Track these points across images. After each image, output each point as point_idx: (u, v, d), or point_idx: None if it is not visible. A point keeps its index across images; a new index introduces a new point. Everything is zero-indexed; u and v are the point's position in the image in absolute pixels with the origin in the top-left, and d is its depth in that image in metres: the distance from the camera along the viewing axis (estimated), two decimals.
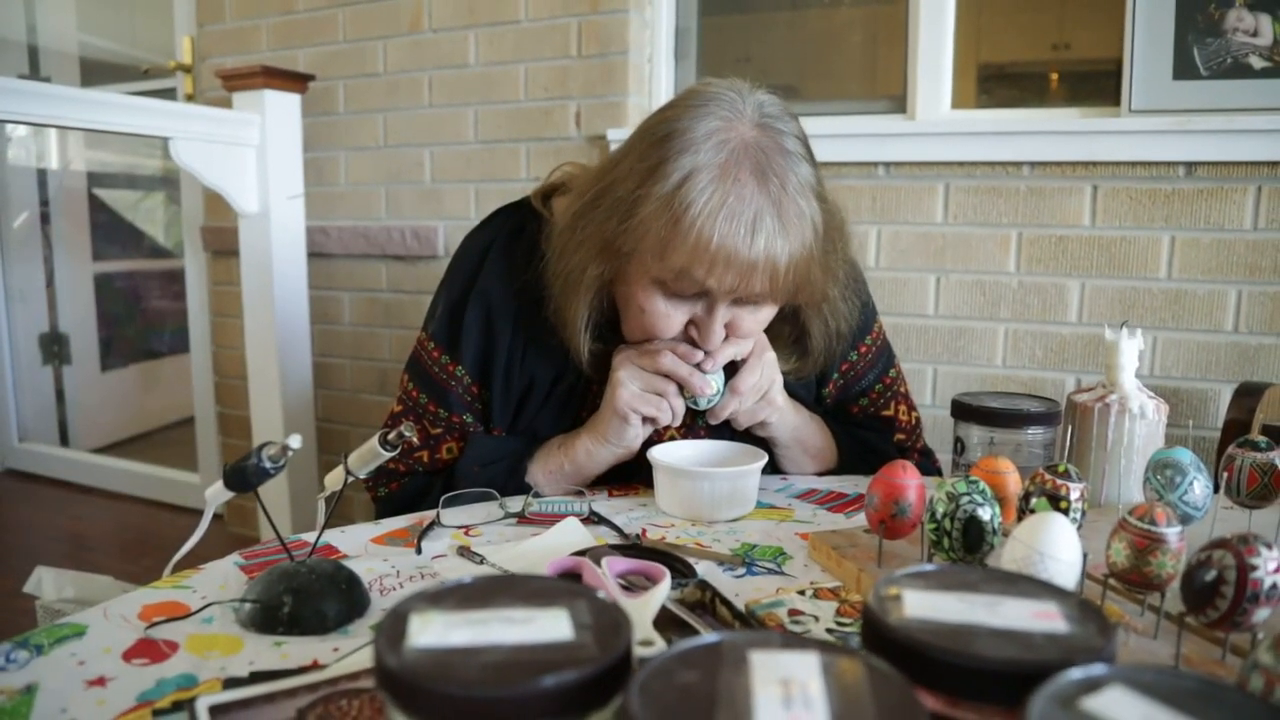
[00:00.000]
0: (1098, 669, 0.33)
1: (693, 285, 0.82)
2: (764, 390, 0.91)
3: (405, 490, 0.97)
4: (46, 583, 1.18)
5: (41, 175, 3.15)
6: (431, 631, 0.36)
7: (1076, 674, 0.33)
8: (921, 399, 1.74)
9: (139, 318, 3.60)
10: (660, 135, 0.80)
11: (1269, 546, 0.51)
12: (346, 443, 2.27)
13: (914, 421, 1.09)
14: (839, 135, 1.72)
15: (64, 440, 3.17)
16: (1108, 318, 1.60)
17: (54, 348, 3.16)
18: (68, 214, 3.17)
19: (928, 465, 1.09)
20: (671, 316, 0.85)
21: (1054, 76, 1.80)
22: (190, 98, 2.43)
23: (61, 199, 3.16)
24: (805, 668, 0.33)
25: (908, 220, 1.71)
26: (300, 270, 2.16)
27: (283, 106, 2.06)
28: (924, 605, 0.39)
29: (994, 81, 1.87)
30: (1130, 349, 0.87)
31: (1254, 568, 0.50)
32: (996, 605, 0.39)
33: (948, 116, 1.73)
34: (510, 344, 0.95)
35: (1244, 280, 1.51)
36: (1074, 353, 1.63)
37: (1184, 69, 1.50)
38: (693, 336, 0.88)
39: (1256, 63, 1.47)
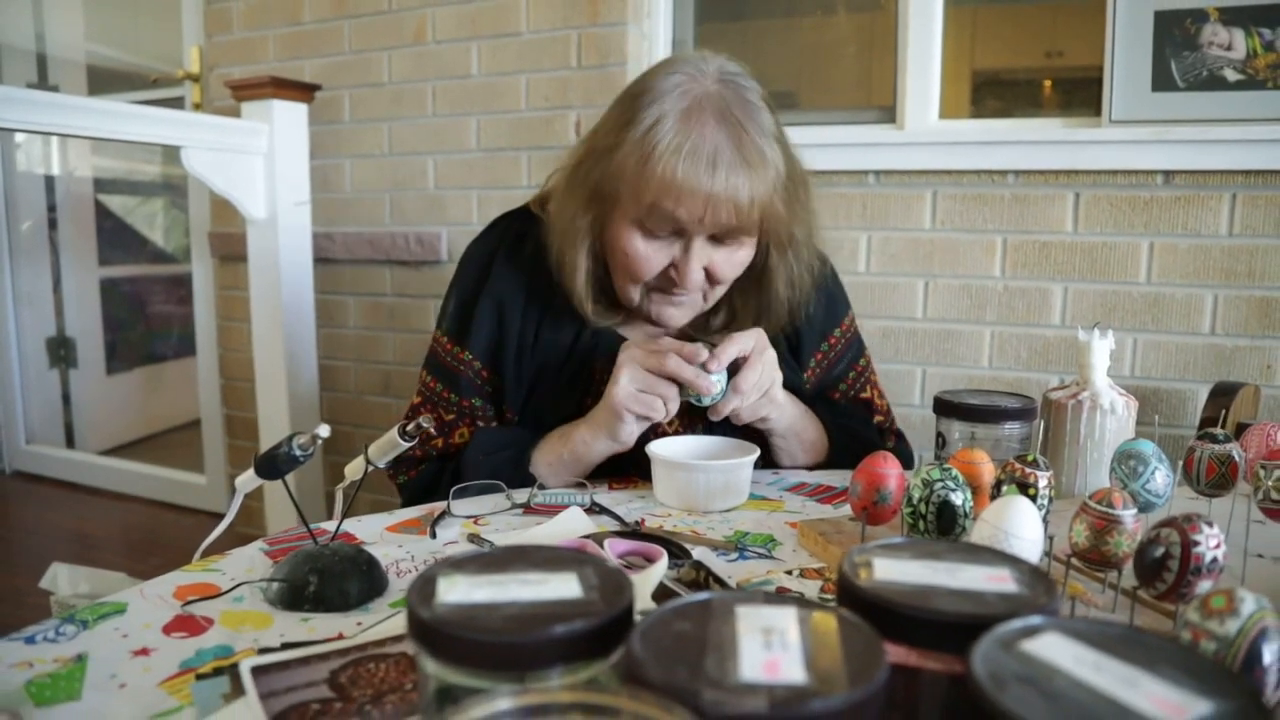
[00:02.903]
0: (1036, 619, 0.38)
1: (666, 221, 0.91)
2: (765, 388, 0.95)
3: (423, 476, 1.02)
4: (62, 578, 1.22)
5: (49, 181, 3.20)
6: (457, 590, 0.41)
7: (1018, 623, 0.38)
8: (910, 399, 1.79)
9: (143, 322, 3.65)
10: (633, 93, 0.93)
11: (1210, 525, 0.56)
12: (351, 444, 2.31)
13: (887, 405, 1.16)
14: (831, 144, 1.78)
15: (70, 442, 3.21)
16: (1090, 320, 1.65)
17: (60, 351, 3.20)
18: (74, 219, 3.21)
19: (904, 447, 1.16)
20: (651, 259, 0.94)
21: (1047, 83, 1.86)
22: (198, 106, 2.48)
23: (68, 204, 3.21)
24: (785, 619, 0.38)
25: (897, 226, 1.77)
26: (306, 275, 2.21)
27: (290, 115, 2.11)
28: (892, 570, 0.44)
29: (988, 88, 1.92)
30: (1102, 349, 0.91)
31: (1196, 543, 0.55)
32: (956, 571, 0.44)
33: (935, 126, 1.78)
34: (520, 333, 1.01)
35: (1220, 284, 1.56)
36: (1057, 354, 1.68)
37: (1162, 81, 1.56)
38: (672, 277, 0.95)
39: (1231, 75, 1.52)
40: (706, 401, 0.93)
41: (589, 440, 0.94)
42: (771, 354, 0.97)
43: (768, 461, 1.04)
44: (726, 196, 0.87)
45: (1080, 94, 1.76)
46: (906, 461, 1.06)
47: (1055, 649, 0.36)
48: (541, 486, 0.91)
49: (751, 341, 0.94)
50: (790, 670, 0.34)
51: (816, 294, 1.06)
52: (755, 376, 0.94)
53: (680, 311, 0.99)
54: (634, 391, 0.91)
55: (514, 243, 1.03)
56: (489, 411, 1.03)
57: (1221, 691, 0.33)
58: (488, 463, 0.95)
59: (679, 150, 0.86)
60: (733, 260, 0.95)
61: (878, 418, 1.13)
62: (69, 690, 0.53)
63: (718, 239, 0.93)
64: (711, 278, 0.96)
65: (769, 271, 1.00)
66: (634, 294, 0.98)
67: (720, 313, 1.05)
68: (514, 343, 1.01)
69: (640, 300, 0.99)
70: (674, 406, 0.93)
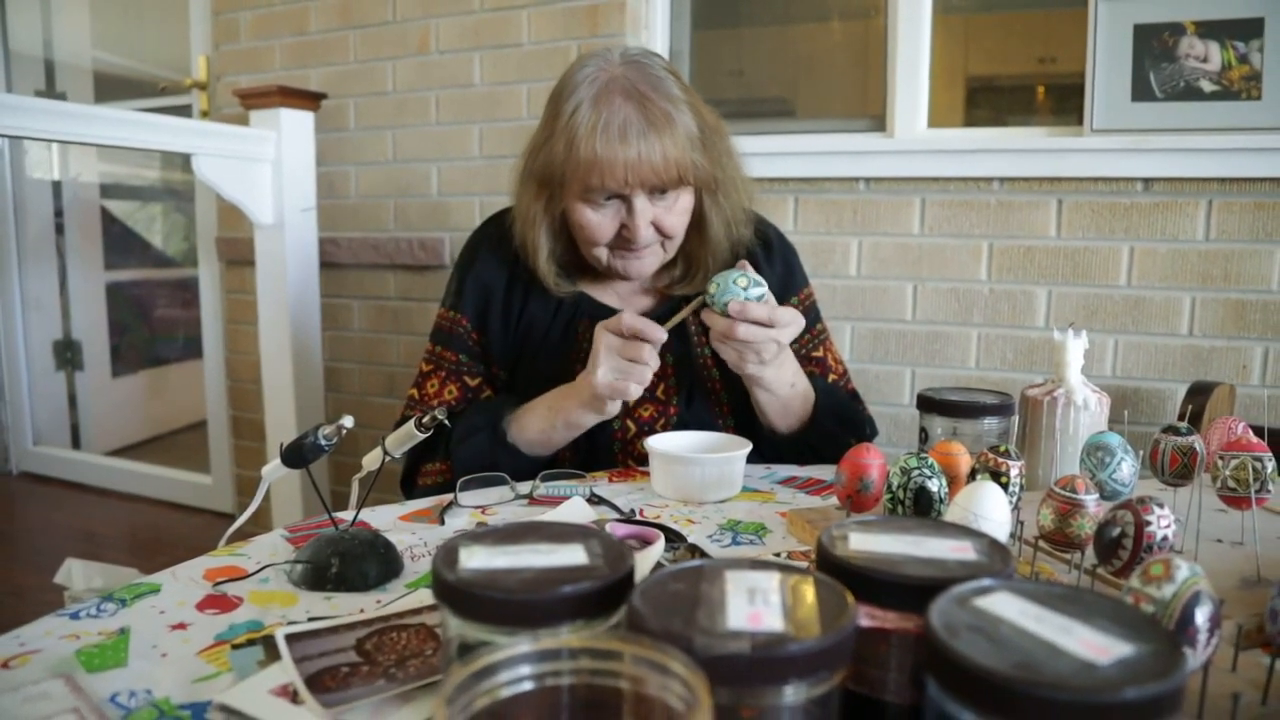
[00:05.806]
0: (989, 581, 0.43)
1: (602, 191, 1.02)
2: (780, 332, 0.98)
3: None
4: (76, 574, 1.27)
5: (55, 186, 3.24)
6: (477, 558, 0.46)
7: (972, 584, 0.43)
8: (900, 399, 1.84)
9: (148, 325, 3.69)
10: (556, 91, 1.06)
11: (1161, 506, 0.61)
12: (356, 444, 2.36)
13: (844, 368, 1.24)
14: (823, 152, 1.83)
15: (76, 443, 3.25)
16: (1073, 322, 1.71)
17: (67, 354, 3.24)
18: (80, 224, 3.26)
19: (859, 407, 1.22)
20: (603, 225, 1.06)
21: (1040, 89, 1.91)
22: (205, 114, 2.53)
23: (74, 210, 3.25)
24: (768, 581, 0.43)
25: (887, 232, 1.82)
26: (313, 279, 2.25)
27: (297, 123, 2.15)
28: (865, 542, 0.49)
29: (982, 94, 1.97)
30: (1076, 348, 0.96)
31: (1149, 523, 0.60)
32: (922, 542, 0.50)
33: (924, 134, 1.83)
34: (505, 304, 1.14)
35: (1197, 287, 1.62)
36: (1042, 355, 1.74)
37: (1141, 91, 1.62)
38: (626, 237, 1.06)
39: (1207, 86, 1.58)
40: (753, 294, 0.96)
41: (580, 414, 1.03)
42: (802, 321, 1.01)
43: (759, 457, 1.09)
44: (643, 160, 0.99)
45: (1073, 99, 1.80)
46: (865, 425, 1.18)
47: (1004, 605, 0.41)
48: (544, 478, 0.96)
49: (794, 312, 1.01)
50: (771, 620, 0.39)
51: (774, 262, 1.18)
52: (788, 315, 0.99)
53: (644, 263, 1.10)
54: (610, 381, 0.98)
55: (500, 230, 1.16)
56: (475, 368, 1.16)
57: (1144, 637, 0.38)
58: (464, 449, 1.04)
59: (594, 129, 0.99)
60: (675, 210, 1.06)
61: (831, 376, 1.20)
62: (116, 658, 0.58)
63: (657, 195, 1.04)
64: (661, 230, 1.07)
65: (705, 216, 1.11)
66: (601, 256, 1.10)
67: (678, 264, 1.15)
68: (499, 307, 1.15)
69: (608, 261, 1.10)
70: (645, 383, 0.99)
